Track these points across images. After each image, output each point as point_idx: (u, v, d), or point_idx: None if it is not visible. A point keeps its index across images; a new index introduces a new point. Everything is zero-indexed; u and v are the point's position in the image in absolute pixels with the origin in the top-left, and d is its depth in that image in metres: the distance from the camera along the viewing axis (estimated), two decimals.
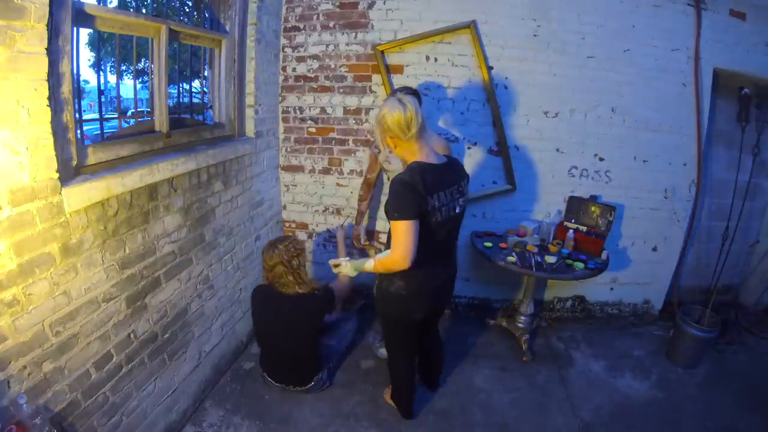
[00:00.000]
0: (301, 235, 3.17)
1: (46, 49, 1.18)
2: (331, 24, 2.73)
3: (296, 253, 2.10)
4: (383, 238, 2.49)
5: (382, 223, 2.48)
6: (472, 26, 2.57)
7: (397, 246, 1.50)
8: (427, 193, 1.52)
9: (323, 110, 2.88)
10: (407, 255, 1.48)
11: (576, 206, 2.70)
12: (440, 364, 2.27)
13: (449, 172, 1.65)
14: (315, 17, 2.74)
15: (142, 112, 2.05)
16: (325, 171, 2.99)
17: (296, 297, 2.08)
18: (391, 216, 1.53)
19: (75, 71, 1.39)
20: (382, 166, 2.40)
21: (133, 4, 6.42)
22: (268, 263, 2.09)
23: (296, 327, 2.09)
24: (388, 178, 2.43)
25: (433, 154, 1.63)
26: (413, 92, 2.18)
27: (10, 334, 1.18)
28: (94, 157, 1.51)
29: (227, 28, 2.33)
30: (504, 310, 3.02)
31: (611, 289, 3.07)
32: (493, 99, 2.66)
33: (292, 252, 2.09)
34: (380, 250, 2.53)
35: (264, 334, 2.22)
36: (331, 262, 1.83)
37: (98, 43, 2.21)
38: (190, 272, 2.03)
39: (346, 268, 1.77)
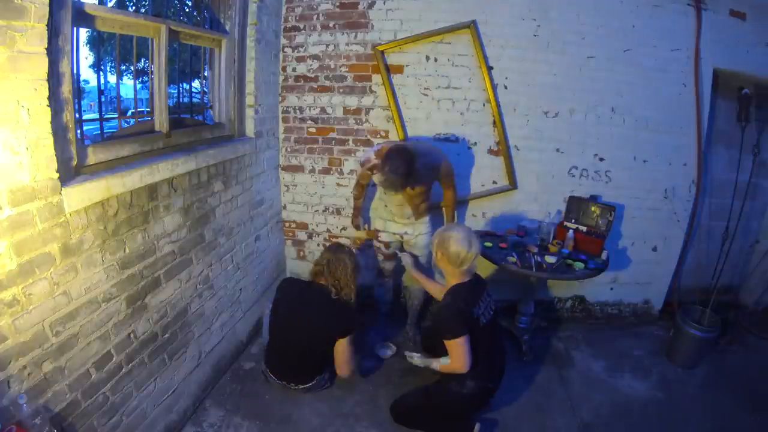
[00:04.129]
0: (301, 235, 3.17)
1: (46, 49, 1.18)
2: (331, 24, 2.73)
3: (357, 267, 2.23)
4: (383, 236, 2.51)
5: (380, 222, 2.50)
6: (472, 26, 2.57)
7: (457, 359, 1.84)
8: (473, 305, 1.86)
9: (323, 110, 2.88)
10: (465, 363, 1.83)
11: (576, 206, 2.70)
12: None
13: (479, 285, 1.98)
14: (315, 17, 2.74)
15: (142, 112, 2.05)
16: (325, 171, 2.99)
17: (337, 302, 2.14)
18: (445, 337, 1.84)
19: (75, 71, 1.39)
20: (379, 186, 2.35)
21: (133, 3, 6.42)
22: (331, 265, 2.15)
23: (323, 329, 2.11)
24: (385, 193, 2.36)
25: (467, 274, 1.93)
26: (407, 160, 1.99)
27: (10, 334, 1.18)
28: (94, 157, 1.51)
29: (227, 28, 2.33)
30: (504, 310, 3.02)
31: (611, 289, 3.07)
32: (493, 99, 2.66)
33: (356, 265, 2.22)
34: (379, 249, 2.55)
35: (282, 325, 2.19)
36: (407, 353, 2.22)
37: (98, 43, 2.21)
38: (190, 272, 2.03)
39: (417, 360, 2.15)
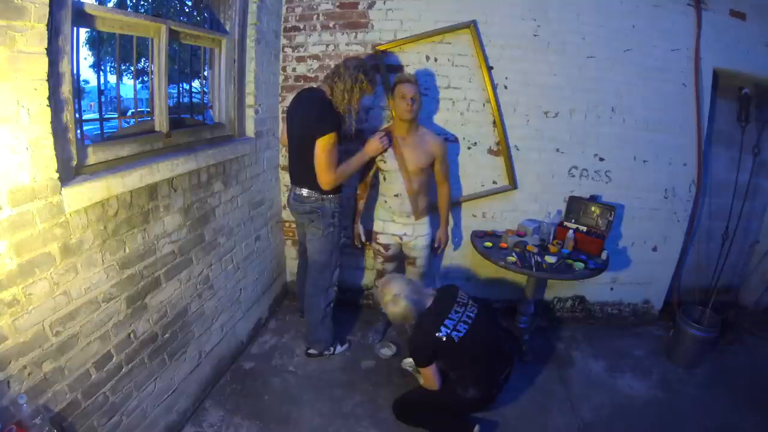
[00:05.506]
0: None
1: (46, 49, 1.18)
2: (331, 24, 2.73)
3: (357, 85, 2.16)
4: (381, 238, 2.52)
5: (380, 224, 2.50)
6: (472, 26, 2.57)
7: (426, 383, 2.01)
8: (437, 330, 1.89)
9: None
10: (434, 386, 1.98)
11: (576, 206, 2.70)
12: None
13: (444, 298, 2.04)
14: (315, 17, 2.74)
15: (142, 112, 2.05)
16: None
17: (325, 103, 2.14)
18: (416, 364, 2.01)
19: (75, 71, 1.39)
20: (378, 165, 2.40)
21: (133, 3, 6.41)
22: (335, 75, 2.17)
23: (307, 128, 2.13)
24: (384, 179, 2.43)
25: (426, 300, 2.03)
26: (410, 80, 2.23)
27: (10, 334, 1.18)
28: (94, 157, 1.51)
29: (227, 28, 2.33)
30: (504, 310, 3.02)
31: (611, 289, 3.07)
32: (493, 99, 2.66)
33: (356, 82, 2.15)
34: (379, 251, 2.55)
35: (290, 132, 2.29)
36: (403, 362, 2.45)
37: (98, 43, 2.20)
38: (190, 272, 2.03)
39: (408, 368, 2.41)
